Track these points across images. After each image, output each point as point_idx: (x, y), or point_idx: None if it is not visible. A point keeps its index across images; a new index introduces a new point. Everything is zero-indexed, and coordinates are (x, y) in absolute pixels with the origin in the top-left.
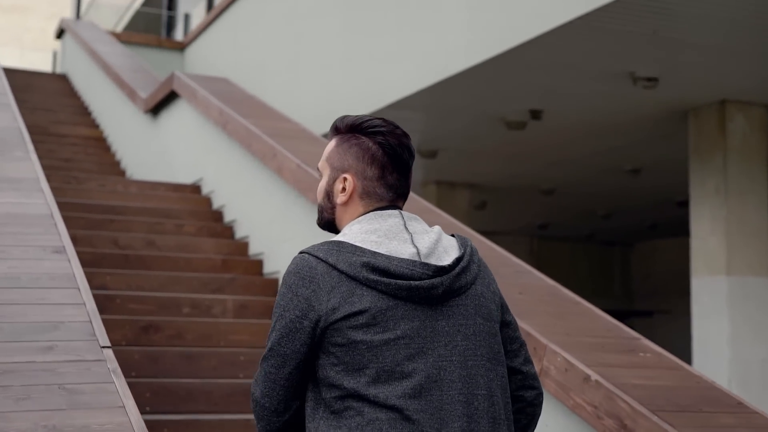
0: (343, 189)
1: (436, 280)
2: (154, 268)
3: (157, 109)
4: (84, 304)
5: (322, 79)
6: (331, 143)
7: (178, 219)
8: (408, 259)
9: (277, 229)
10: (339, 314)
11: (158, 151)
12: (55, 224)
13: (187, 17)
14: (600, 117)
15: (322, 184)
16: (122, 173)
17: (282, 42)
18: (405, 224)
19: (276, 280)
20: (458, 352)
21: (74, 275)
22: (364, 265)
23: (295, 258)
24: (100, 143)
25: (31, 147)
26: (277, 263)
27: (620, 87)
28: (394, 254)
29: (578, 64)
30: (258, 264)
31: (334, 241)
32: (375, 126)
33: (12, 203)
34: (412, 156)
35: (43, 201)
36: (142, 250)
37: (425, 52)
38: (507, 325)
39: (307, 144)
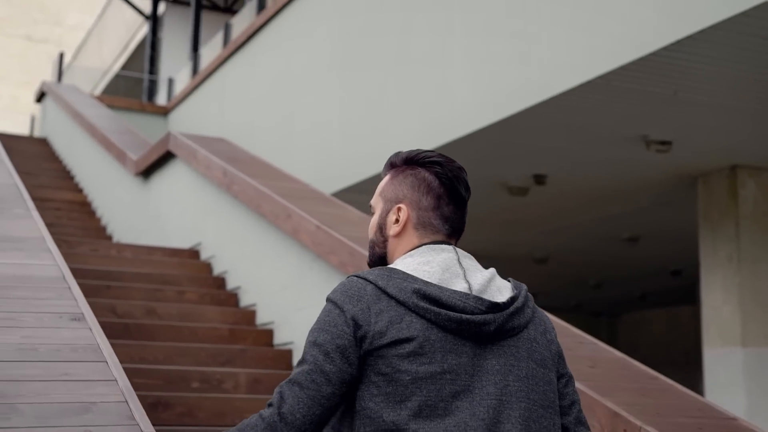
0: (397, 220)
1: (488, 317)
2: (157, 338)
3: (149, 171)
4: (116, 380)
5: (318, 140)
6: (386, 179)
7: (177, 285)
8: (461, 292)
9: (289, 296)
10: (385, 339)
11: (150, 214)
12: (69, 288)
13: (170, 81)
14: (605, 183)
15: (375, 219)
16: (109, 239)
17: (274, 102)
18: (459, 259)
19: (290, 352)
20: (509, 393)
21: (99, 346)
22: (415, 291)
23: (342, 281)
24: (84, 208)
25: (31, 204)
26: (291, 333)
27: (632, 151)
28: (445, 286)
29: (591, 126)
30: (268, 334)
31: (386, 268)
32: (431, 157)
33: (17, 264)
34: (468, 190)
35: (52, 262)
36: (143, 319)
37: (429, 113)
38: (560, 377)
39: (323, 205)
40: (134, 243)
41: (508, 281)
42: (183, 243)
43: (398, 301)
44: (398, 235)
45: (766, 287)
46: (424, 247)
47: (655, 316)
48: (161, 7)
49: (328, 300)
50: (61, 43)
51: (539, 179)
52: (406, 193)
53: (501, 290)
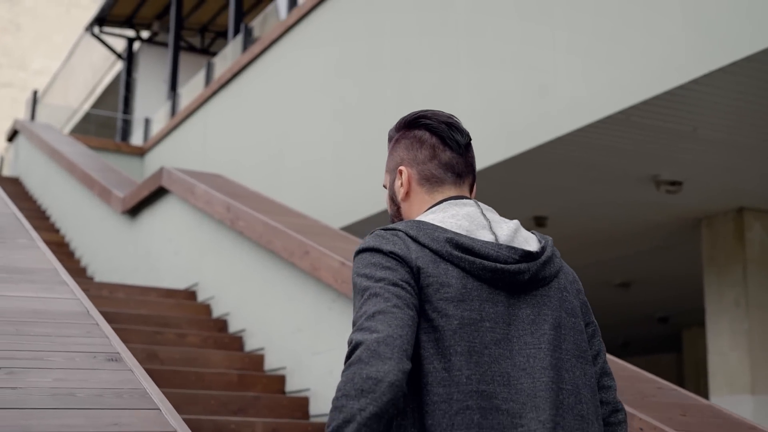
0: (402, 185)
1: (522, 266)
2: (162, 384)
3: (137, 208)
4: (176, 431)
5: (310, 178)
6: (388, 153)
7: (177, 328)
8: (492, 242)
9: (304, 340)
10: (429, 280)
11: (138, 254)
12: (97, 324)
13: (147, 122)
14: (606, 226)
15: (387, 193)
16: (90, 280)
17: (262, 139)
18: (482, 212)
19: (306, 400)
20: (545, 341)
21: (147, 391)
22: (448, 240)
23: (364, 239)
24: (62, 248)
25: (34, 234)
26: (306, 379)
27: (640, 192)
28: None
29: (603, 164)
30: (279, 380)
31: (412, 220)
32: (417, 115)
33: (33, 298)
34: (463, 134)
35: (71, 296)
36: (145, 364)
37: None
38: (587, 325)
39: (340, 241)
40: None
41: (533, 233)
42: (177, 283)
43: (432, 250)
44: (406, 196)
45: None
46: (444, 203)
47: (637, 364)
48: (134, 47)
49: (361, 251)
50: (26, 87)
51: (540, 221)
52: (403, 155)
53: (528, 241)
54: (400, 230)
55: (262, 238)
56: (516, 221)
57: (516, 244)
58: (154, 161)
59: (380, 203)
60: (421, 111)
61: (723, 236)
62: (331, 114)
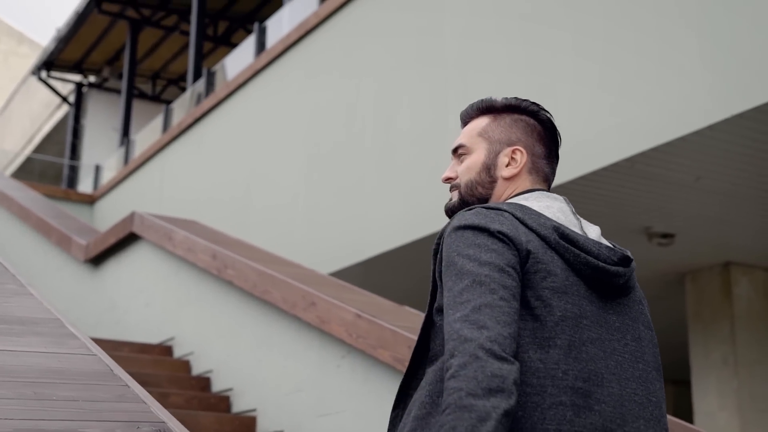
0: (509, 163)
1: (620, 269)
2: None
3: (101, 257)
4: None
5: (278, 226)
6: (482, 120)
7: (158, 387)
8: (593, 240)
9: (307, 400)
10: (537, 266)
11: (101, 306)
12: (128, 386)
13: (98, 168)
14: None
15: (479, 159)
16: None
17: (225, 186)
18: (572, 210)
19: None
20: (629, 351)
21: None
22: (555, 228)
23: (463, 214)
24: None
25: (23, 279)
26: None
27: (630, 244)
28: None
29: (597, 215)
30: None
31: (513, 202)
32: (539, 108)
33: (44, 354)
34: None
35: (87, 351)
36: None
37: (417, 199)
38: None
39: (346, 291)
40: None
41: (610, 242)
42: (148, 338)
43: (539, 235)
44: (512, 177)
45: (766, 390)
46: (537, 192)
47: None
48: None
49: (462, 228)
50: None
51: None
52: (520, 136)
53: (610, 246)
54: (505, 210)
55: (256, 288)
56: (598, 227)
57: None
58: (105, 209)
59: (357, 253)
60: (533, 101)
61: (709, 291)
62: (304, 159)
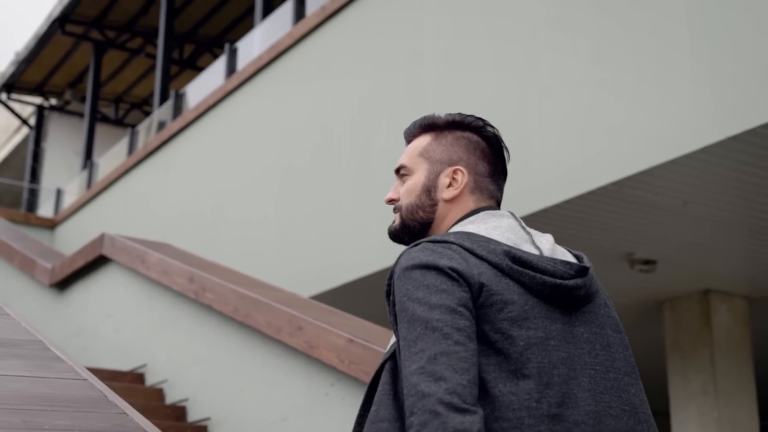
0: (450, 184)
1: (579, 281)
2: None
3: (67, 281)
4: None
5: (249, 254)
6: (424, 139)
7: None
8: (546, 256)
9: (295, 430)
10: (492, 299)
11: (66, 332)
12: (126, 414)
13: (59, 192)
14: None
15: (418, 180)
16: None
17: (193, 212)
18: (521, 224)
19: None
20: (600, 362)
21: None
22: (506, 253)
23: (408, 251)
24: None
25: None
26: None
27: (610, 271)
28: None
29: (580, 238)
30: None
31: (459, 231)
32: (482, 123)
33: (30, 379)
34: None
35: (75, 375)
36: None
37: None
38: None
39: (334, 315)
40: None
41: (564, 247)
42: (117, 365)
43: (491, 264)
44: (453, 199)
45: (746, 420)
46: (482, 213)
47: None
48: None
49: (410, 268)
50: None
51: None
52: (462, 155)
53: (565, 255)
54: (452, 242)
55: (237, 312)
56: (550, 235)
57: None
58: (67, 234)
59: (332, 279)
60: (477, 117)
61: (688, 319)
62: (276, 182)
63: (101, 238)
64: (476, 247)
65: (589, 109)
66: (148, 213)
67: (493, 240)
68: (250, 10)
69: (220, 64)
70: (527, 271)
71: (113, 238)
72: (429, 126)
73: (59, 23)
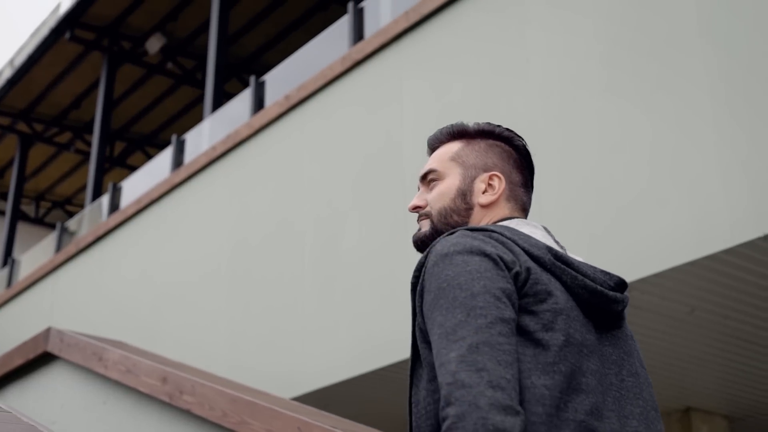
0: (485, 190)
1: (618, 294)
2: None
3: (1, 382)
4: None
5: (196, 352)
6: (454, 145)
7: None
8: (586, 263)
9: None
10: (537, 287)
11: None
12: None
13: None
14: None
15: (453, 184)
16: None
17: (129, 312)
18: (554, 238)
19: None
20: (627, 387)
21: None
22: (548, 249)
23: (445, 239)
24: None
25: None
26: None
27: None
28: None
29: None
30: None
31: (497, 225)
32: (514, 134)
33: None
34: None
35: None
36: None
37: (365, 331)
38: None
39: (332, 420)
40: None
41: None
42: None
43: (533, 256)
44: (489, 205)
45: None
46: (516, 219)
47: None
48: None
49: (452, 254)
50: None
51: None
52: (497, 162)
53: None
54: (493, 231)
55: (226, 418)
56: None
57: None
58: None
59: (293, 388)
60: (509, 129)
61: None
62: (227, 281)
63: (47, 333)
64: (518, 239)
65: (600, 212)
66: (77, 313)
67: (533, 237)
68: (189, 107)
69: (165, 157)
70: (569, 270)
71: (62, 332)
72: (459, 133)
73: None
